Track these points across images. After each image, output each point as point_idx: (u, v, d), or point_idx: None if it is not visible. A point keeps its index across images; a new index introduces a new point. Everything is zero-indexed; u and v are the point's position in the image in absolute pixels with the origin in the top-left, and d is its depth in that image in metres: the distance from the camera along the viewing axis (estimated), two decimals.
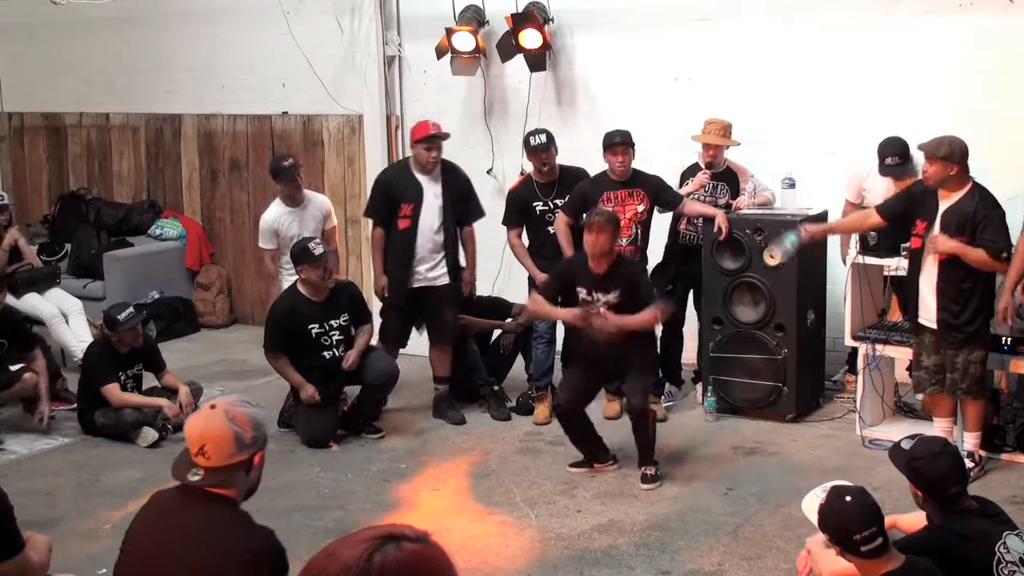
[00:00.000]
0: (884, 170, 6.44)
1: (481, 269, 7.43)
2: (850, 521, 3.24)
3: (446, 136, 6.80)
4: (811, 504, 3.58)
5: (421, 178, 6.71)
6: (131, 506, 5.47)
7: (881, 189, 6.54)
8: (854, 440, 6.36)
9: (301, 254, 6.42)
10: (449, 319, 6.89)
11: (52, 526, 5.26)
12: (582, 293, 5.79)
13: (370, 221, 7.16)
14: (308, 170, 7.86)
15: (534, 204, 6.87)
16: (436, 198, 6.71)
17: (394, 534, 1.64)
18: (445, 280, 6.76)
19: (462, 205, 6.84)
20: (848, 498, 3.31)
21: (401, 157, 8.11)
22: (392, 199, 6.72)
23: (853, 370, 6.69)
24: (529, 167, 7.44)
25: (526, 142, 6.90)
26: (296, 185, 7.02)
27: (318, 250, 6.39)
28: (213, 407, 3.02)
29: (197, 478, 2.97)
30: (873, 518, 3.26)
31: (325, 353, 6.49)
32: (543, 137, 6.79)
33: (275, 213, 7.06)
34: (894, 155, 6.38)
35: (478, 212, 6.96)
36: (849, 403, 6.79)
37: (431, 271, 6.76)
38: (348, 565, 1.60)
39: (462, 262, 7.00)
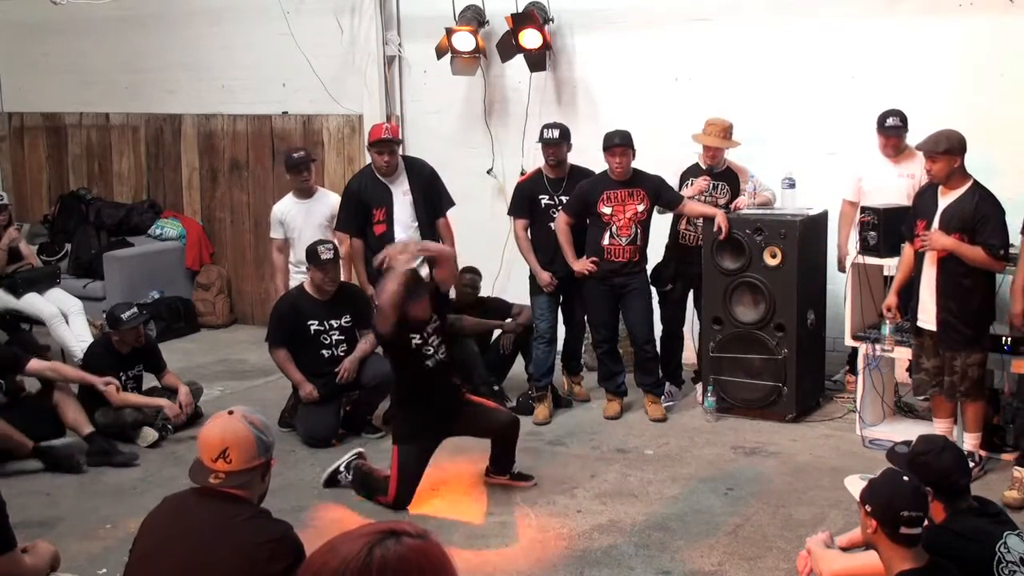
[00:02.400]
0: (885, 131, 6.49)
1: (481, 269, 7.43)
2: (903, 497, 3.22)
3: (399, 141, 6.85)
4: (855, 482, 3.57)
5: (386, 180, 6.72)
6: (131, 506, 5.49)
7: (881, 189, 6.55)
8: (854, 440, 6.36)
9: (310, 255, 6.52)
10: None
11: (52, 526, 5.27)
12: (415, 339, 5.48)
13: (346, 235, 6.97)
14: None
15: (540, 197, 6.88)
16: (405, 195, 6.73)
17: (395, 529, 1.66)
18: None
19: (432, 198, 6.83)
20: (906, 478, 3.33)
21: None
22: (363, 206, 6.73)
23: (853, 370, 6.70)
24: (530, 167, 7.47)
25: (540, 134, 6.92)
26: (302, 178, 7.11)
27: (325, 255, 6.46)
28: (231, 412, 3.06)
29: (218, 481, 3.00)
30: (924, 505, 3.26)
31: (324, 351, 6.54)
32: (556, 132, 6.80)
33: (283, 204, 7.23)
34: (894, 115, 6.48)
35: (448, 203, 6.94)
36: (849, 403, 6.79)
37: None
38: (348, 559, 1.61)
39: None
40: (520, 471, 5.86)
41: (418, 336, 5.46)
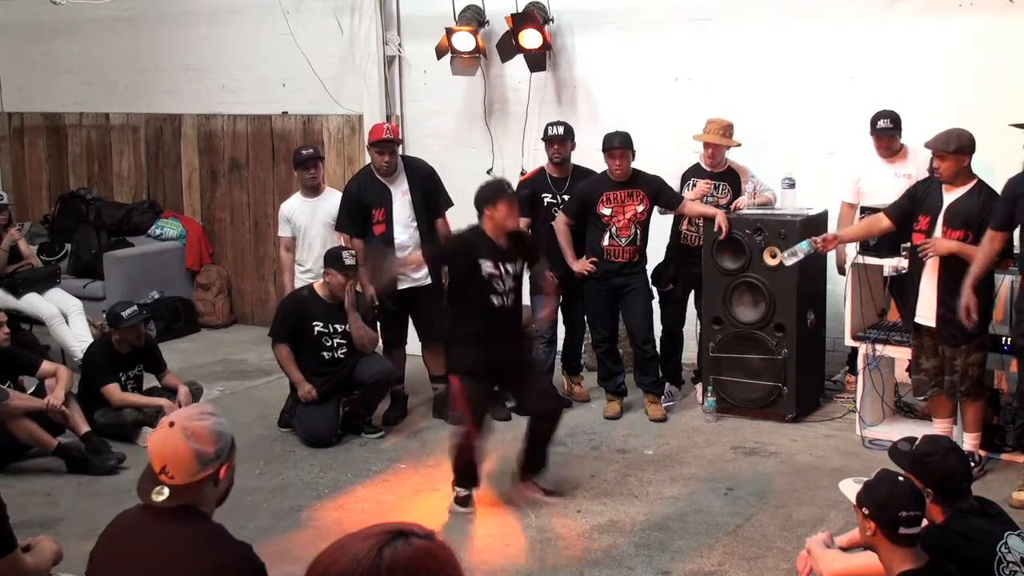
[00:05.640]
0: (876, 132, 6.52)
1: None
2: (901, 497, 3.23)
3: (399, 141, 6.90)
4: (849, 485, 3.57)
5: (385, 180, 6.73)
6: (131, 506, 5.48)
7: (878, 189, 6.55)
8: (854, 440, 6.37)
9: (333, 259, 6.53)
10: (436, 319, 6.90)
11: (52, 526, 5.26)
12: (487, 266, 5.38)
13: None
14: None
15: (543, 195, 6.90)
16: (405, 195, 6.74)
17: (403, 530, 1.67)
18: (429, 280, 6.77)
19: (431, 198, 6.84)
20: (902, 479, 3.34)
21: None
22: (363, 206, 6.74)
23: (853, 370, 6.70)
24: (530, 168, 7.47)
25: (544, 131, 6.95)
26: (310, 175, 7.13)
27: (349, 261, 6.49)
28: (171, 424, 2.86)
29: (162, 498, 2.84)
30: (921, 505, 3.27)
31: (324, 353, 6.55)
32: (561, 128, 6.86)
33: (291, 202, 7.28)
34: (885, 118, 6.50)
35: (446, 202, 6.94)
36: (849, 403, 6.79)
37: (416, 271, 6.75)
38: (358, 559, 1.62)
39: None
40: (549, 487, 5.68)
41: (491, 264, 5.32)
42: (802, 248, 5.89)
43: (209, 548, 2.83)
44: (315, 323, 6.54)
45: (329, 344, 6.55)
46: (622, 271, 6.71)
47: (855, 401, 6.52)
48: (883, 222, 5.87)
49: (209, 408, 3.00)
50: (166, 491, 2.83)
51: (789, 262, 6.03)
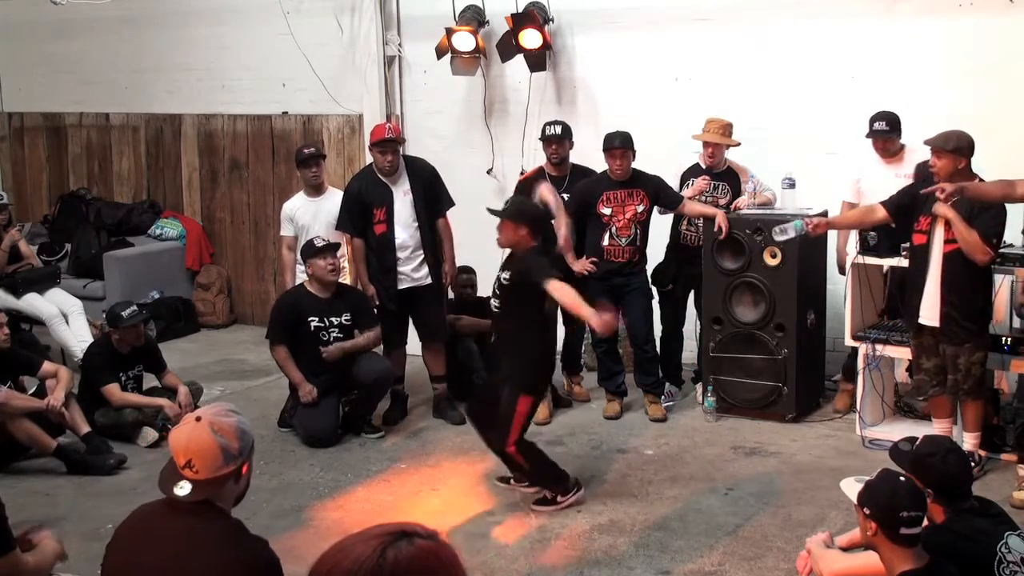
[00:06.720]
0: (872, 134, 6.49)
1: (480, 269, 7.43)
2: (902, 497, 3.23)
3: (401, 141, 6.91)
4: (851, 484, 3.56)
5: (386, 180, 6.73)
6: (131, 506, 5.47)
7: (878, 189, 6.54)
8: (854, 440, 6.37)
9: (306, 249, 6.59)
10: (436, 318, 6.92)
11: (52, 526, 5.24)
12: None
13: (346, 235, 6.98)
14: None
15: None
16: (406, 195, 6.74)
17: (405, 530, 1.67)
18: (429, 280, 6.77)
19: (432, 198, 6.84)
20: (903, 479, 3.33)
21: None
22: (364, 206, 6.74)
23: (849, 378, 6.71)
24: (530, 167, 7.47)
25: (542, 131, 6.95)
26: (312, 173, 7.13)
27: (319, 242, 6.54)
28: (198, 419, 2.90)
29: (184, 492, 2.86)
30: (922, 505, 3.27)
31: (323, 349, 6.53)
32: (558, 128, 6.85)
33: (294, 201, 7.27)
34: (881, 120, 6.46)
35: (448, 202, 6.94)
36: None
37: (416, 271, 6.76)
38: (361, 560, 1.62)
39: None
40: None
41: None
42: (794, 227, 5.84)
43: (227, 542, 2.87)
44: (311, 318, 6.54)
45: (327, 339, 6.55)
46: (622, 271, 6.71)
47: (855, 401, 6.52)
48: (878, 212, 5.85)
49: (233, 407, 3.04)
50: (188, 486, 2.87)
51: (778, 238, 5.99)
